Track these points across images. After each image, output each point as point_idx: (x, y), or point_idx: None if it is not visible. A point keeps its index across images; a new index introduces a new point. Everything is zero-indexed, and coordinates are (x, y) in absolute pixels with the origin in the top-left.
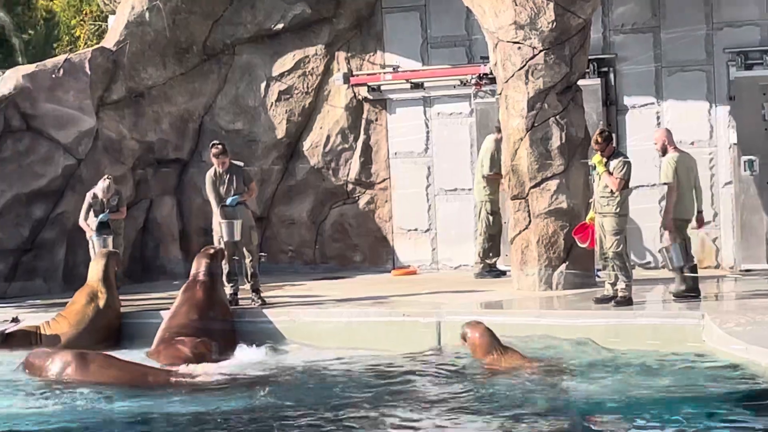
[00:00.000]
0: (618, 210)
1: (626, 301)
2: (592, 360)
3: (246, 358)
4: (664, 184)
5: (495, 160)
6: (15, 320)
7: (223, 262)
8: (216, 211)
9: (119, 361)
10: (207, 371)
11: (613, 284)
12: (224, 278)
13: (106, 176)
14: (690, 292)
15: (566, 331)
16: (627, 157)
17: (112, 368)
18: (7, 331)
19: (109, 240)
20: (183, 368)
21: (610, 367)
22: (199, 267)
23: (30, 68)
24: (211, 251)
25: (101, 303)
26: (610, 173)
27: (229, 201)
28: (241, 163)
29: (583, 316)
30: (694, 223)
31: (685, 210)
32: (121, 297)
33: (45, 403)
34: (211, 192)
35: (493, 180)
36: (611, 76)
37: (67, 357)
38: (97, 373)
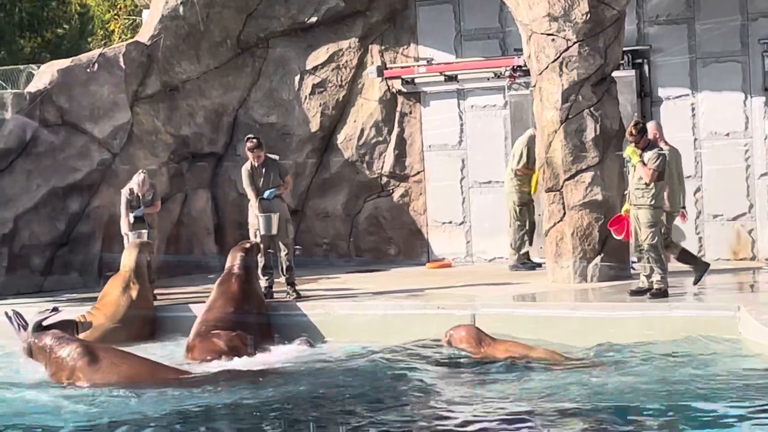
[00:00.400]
0: (653, 202)
1: (662, 294)
2: (626, 351)
3: (281, 352)
4: None
5: (524, 155)
6: (55, 310)
7: (259, 255)
8: (254, 204)
9: (132, 357)
10: (241, 365)
11: (649, 276)
12: (259, 271)
13: (140, 170)
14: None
15: (601, 324)
16: (662, 149)
17: (124, 365)
18: (45, 322)
19: (144, 234)
20: (214, 364)
21: (645, 359)
22: (234, 260)
23: (65, 63)
24: (247, 245)
25: (134, 294)
26: (645, 164)
27: (266, 194)
28: (276, 157)
29: (618, 309)
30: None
31: (673, 202)
32: (156, 291)
33: (73, 397)
34: (248, 186)
35: (522, 173)
36: (646, 67)
37: (78, 349)
38: (107, 369)
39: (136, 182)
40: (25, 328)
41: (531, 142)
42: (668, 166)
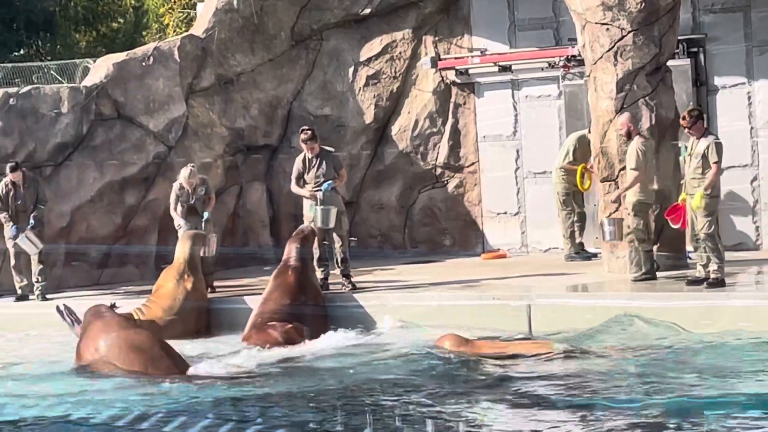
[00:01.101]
0: (709, 191)
1: (719, 283)
2: (683, 343)
3: (337, 343)
4: (633, 170)
5: (570, 153)
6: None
7: (314, 246)
8: (296, 190)
9: (162, 346)
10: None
11: (705, 266)
12: (315, 263)
13: (188, 164)
14: (647, 275)
15: (658, 314)
16: (718, 138)
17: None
18: None
19: (200, 227)
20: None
21: (701, 349)
22: (290, 251)
23: (120, 56)
24: (302, 235)
25: (188, 285)
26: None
27: (324, 187)
28: (332, 149)
29: (675, 299)
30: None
31: (648, 193)
32: (215, 283)
33: (127, 386)
34: (294, 176)
35: (567, 170)
36: (701, 56)
37: (106, 318)
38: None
39: (183, 176)
40: (78, 323)
41: (580, 141)
42: (645, 158)
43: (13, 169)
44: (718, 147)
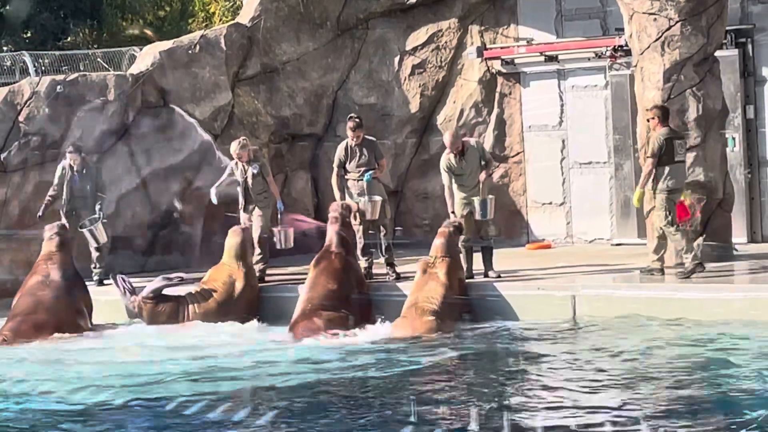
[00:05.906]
0: (661, 185)
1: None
2: (726, 331)
3: (381, 331)
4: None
5: None
6: (180, 279)
7: (358, 236)
8: (334, 185)
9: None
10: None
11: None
12: (359, 252)
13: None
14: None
15: (703, 305)
16: (665, 133)
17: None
18: (164, 289)
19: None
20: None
21: (743, 339)
22: (331, 237)
23: (167, 45)
24: (340, 219)
25: (241, 279)
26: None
27: (365, 178)
28: (373, 138)
29: (721, 290)
30: None
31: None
32: (269, 271)
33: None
34: (335, 164)
35: None
36: (749, 46)
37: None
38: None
39: (233, 147)
40: (131, 293)
41: None
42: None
43: (71, 152)
44: (656, 140)
